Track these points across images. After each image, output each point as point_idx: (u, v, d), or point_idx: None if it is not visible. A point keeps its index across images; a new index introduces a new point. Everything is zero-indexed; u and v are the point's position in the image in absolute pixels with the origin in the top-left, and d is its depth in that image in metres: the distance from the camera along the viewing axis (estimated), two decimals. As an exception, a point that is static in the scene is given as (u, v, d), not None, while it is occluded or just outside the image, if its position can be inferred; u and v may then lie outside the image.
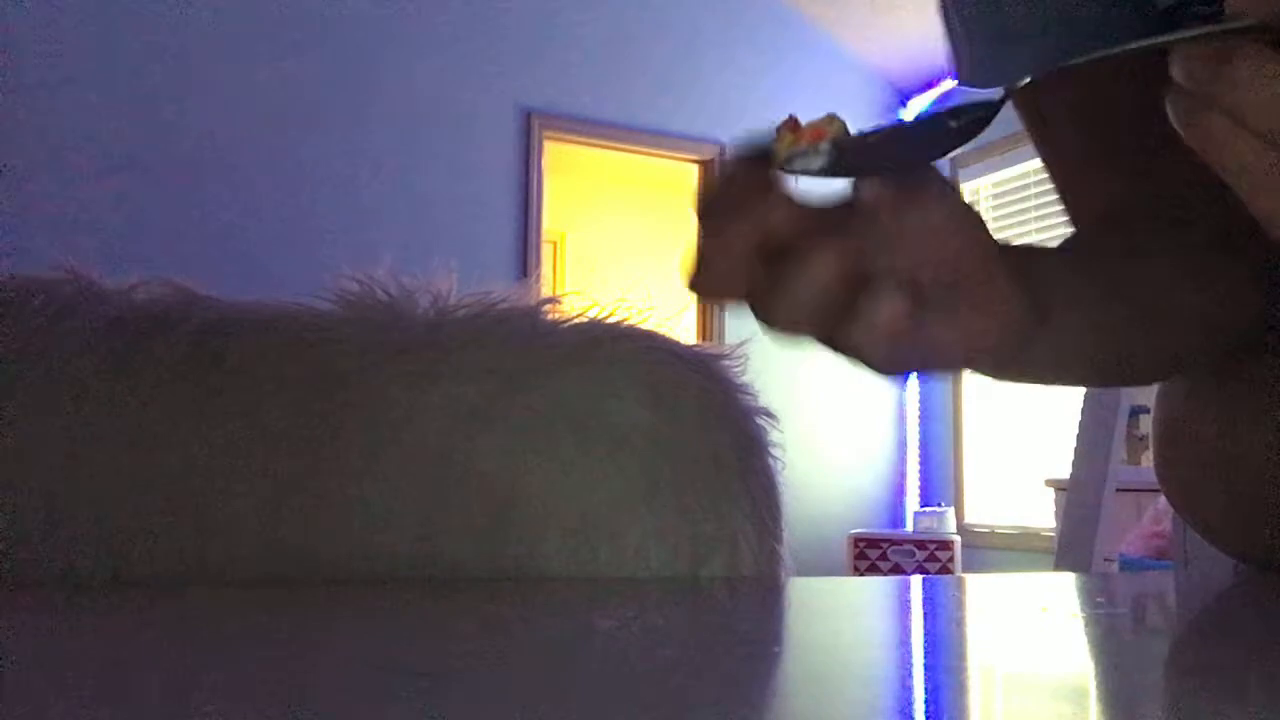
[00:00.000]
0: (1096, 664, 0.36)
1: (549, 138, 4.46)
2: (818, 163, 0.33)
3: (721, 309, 4.65)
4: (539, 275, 0.81)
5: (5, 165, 3.41)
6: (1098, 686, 0.32)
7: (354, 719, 0.27)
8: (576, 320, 0.64)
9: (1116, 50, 0.35)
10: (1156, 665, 0.37)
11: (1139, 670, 0.36)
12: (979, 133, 0.34)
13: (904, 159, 0.34)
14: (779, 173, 0.34)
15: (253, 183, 3.88)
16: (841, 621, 0.52)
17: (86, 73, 3.63)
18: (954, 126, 0.34)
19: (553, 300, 0.65)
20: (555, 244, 6.20)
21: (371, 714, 0.28)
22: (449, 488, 0.57)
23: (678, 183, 5.35)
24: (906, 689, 0.33)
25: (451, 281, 0.64)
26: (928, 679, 0.35)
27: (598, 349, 0.61)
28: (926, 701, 0.31)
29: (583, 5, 4.52)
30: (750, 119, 4.82)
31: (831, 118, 0.34)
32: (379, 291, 0.62)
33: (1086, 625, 0.44)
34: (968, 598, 0.54)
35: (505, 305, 0.63)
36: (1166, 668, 0.36)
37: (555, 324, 0.63)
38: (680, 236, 5.62)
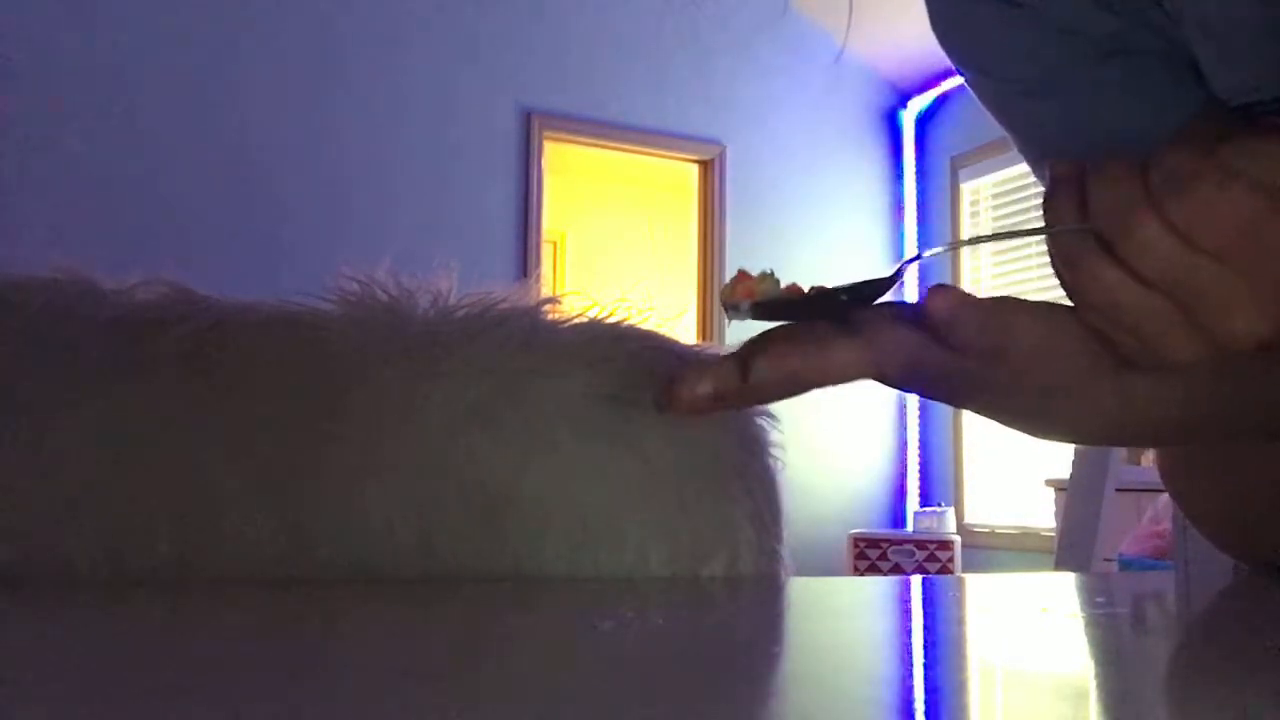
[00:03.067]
0: (1096, 664, 0.36)
1: (549, 138, 4.46)
2: (744, 315, 0.46)
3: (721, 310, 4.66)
4: (539, 275, 0.81)
5: (5, 165, 3.41)
6: (1098, 686, 0.32)
7: (353, 719, 0.27)
8: (576, 320, 0.64)
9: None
10: (1157, 665, 0.37)
11: (1139, 670, 0.36)
12: (873, 300, 0.45)
13: (806, 318, 0.46)
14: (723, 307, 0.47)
15: (253, 183, 3.87)
16: (841, 621, 0.52)
17: (86, 73, 3.63)
18: (844, 300, 0.45)
19: (553, 300, 0.65)
20: (555, 244, 6.20)
21: (371, 714, 0.28)
22: (449, 487, 0.57)
23: (678, 183, 5.35)
24: (906, 689, 0.33)
25: (451, 281, 0.64)
26: (928, 679, 0.35)
27: (598, 349, 0.61)
28: (926, 701, 0.31)
29: (583, 5, 4.51)
30: (750, 119, 4.83)
31: (764, 275, 0.46)
32: (379, 291, 0.62)
33: (1086, 625, 0.44)
34: (968, 598, 0.54)
35: (505, 305, 0.63)
36: (1166, 668, 0.36)
37: (555, 324, 0.63)
38: (680, 237, 5.63)
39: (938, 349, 0.43)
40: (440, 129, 4.23)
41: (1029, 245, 4.42)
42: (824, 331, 0.44)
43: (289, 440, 0.57)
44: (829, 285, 0.46)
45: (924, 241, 5.09)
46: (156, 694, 0.29)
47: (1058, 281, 0.44)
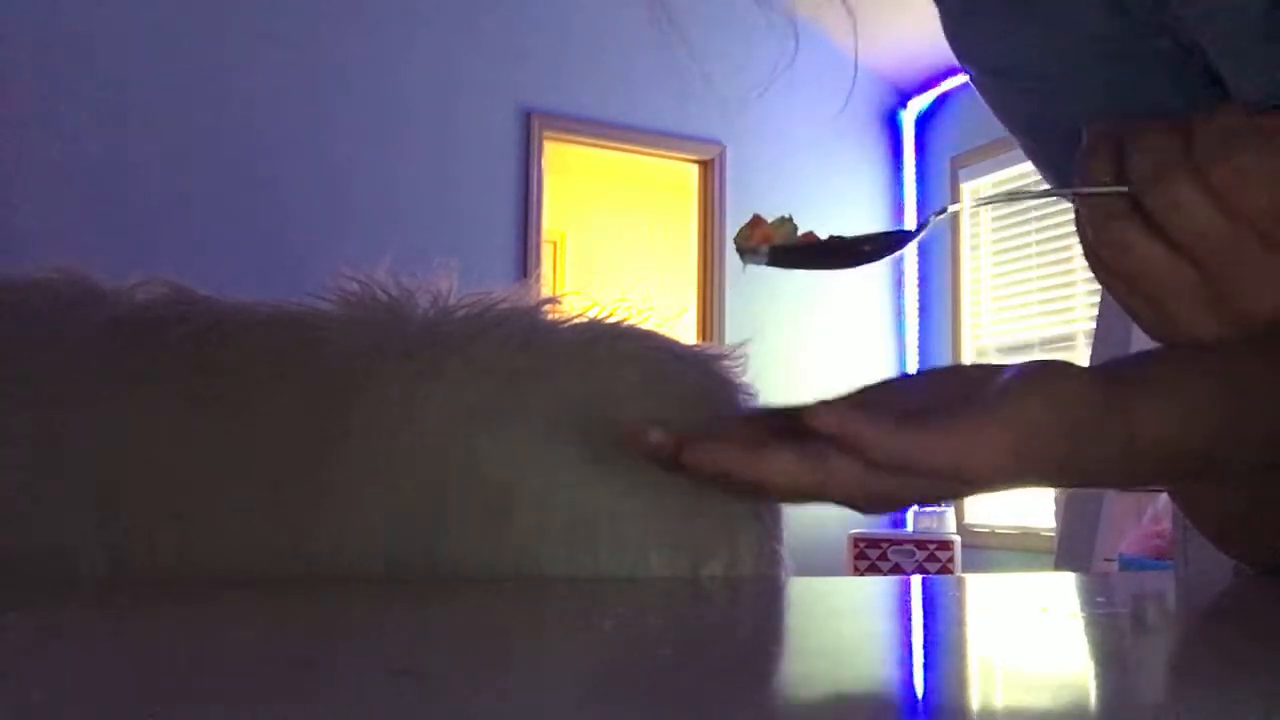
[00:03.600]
0: (1096, 664, 0.36)
1: (549, 138, 4.45)
2: (760, 259, 0.45)
3: (720, 310, 4.65)
4: (539, 275, 0.81)
5: (5, 165, 3.41)
6: (1098, 686, 0.32)
7: (353, 719, 0.27)
8: (576, 320, 0.64)
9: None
10: (1156, 665, 0.37)
11: (1139, 670, 0.36)
12: (889, 256, 0.45)
13: (824, 266, 0.45)
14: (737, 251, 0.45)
15: (253, 183, 3.87)
16: (841, 621, 0.52)
17: (86, 73, 3.63)
18: (867, 250, 0.45)
19: (553, 300, 0.65)
20: (555, 244, 6.20)
21: (371, 714, 0.28)
22: (449, 487, 0.57)
23: (678, 183, 5.35)
24: (906, 689, 0.33)
25: (451, 281, 0.64)
26: (928, 679, 0.35)
27: (598, 349, 0.61)
28: (927, 701, 0.31)
29: (583, 5, 4.51)
30: (750, 119, 4.82)
31: (783, 220, 0.45)
32: (379, 291, 0.62)
33: (1086, 625, 0.44)
34: (968, 598, 0.54)
35: (505, 305, 0.63)
36: (1167, 667, 0.36)
37: (555, 324, 0.63)
38: (680, 237, 5.63)
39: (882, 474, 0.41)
40: (440, 129, 4.23)
41: (1028, 246, 4.42)
42: (766, 438, 0.41)
43: (289, 440, 0.57)
44: (848, 235, 0.45)
45: (923, 243, 5.09)
46: (156, 694, 0.29)
47: (1069, 270, 0.43)
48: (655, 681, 0.32)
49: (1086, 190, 0.40)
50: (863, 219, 5.10)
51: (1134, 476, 0.45)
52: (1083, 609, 0.50)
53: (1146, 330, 0.43)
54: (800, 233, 0.45)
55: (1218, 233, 0.37)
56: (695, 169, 4.86)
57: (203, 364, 0.57)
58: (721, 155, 4.78)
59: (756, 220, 0.45)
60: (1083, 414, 0.42)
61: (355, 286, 0.62)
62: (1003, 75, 0.62)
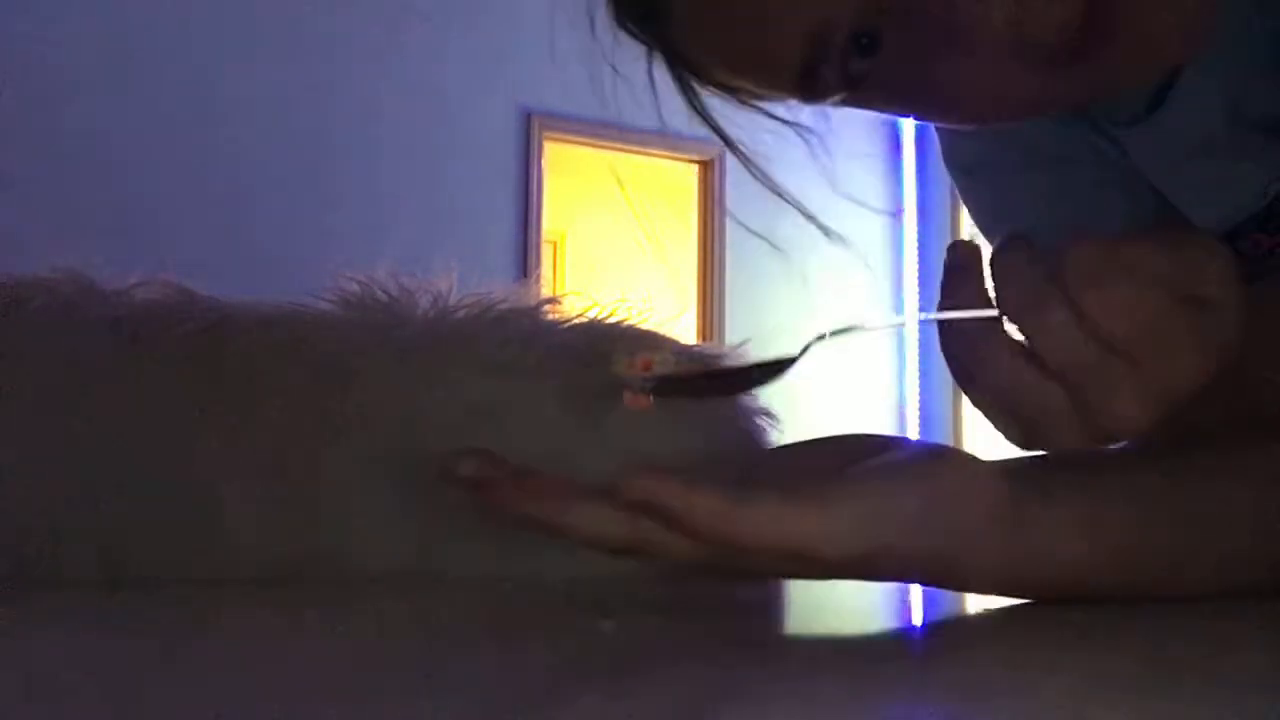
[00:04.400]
0: (1097, 663, 0.36)
1: (549, 138, 4.45)
2: (645, 386, 0.43)
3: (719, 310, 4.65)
4: (539, 275, 0.81)
5: (5, 165, 3.41)
6: (1098, 686, 0.32)
7: (353, 719, 0.27)
8: (576, 320, 0.64)
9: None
10: (1157, 664, 0.37)
11: (1139, 669, 0.36)
12: (772, 380, 0.44)
13: (708, 394, 0.45)
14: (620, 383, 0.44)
15: (253, 183, 3.87)
16: (842, 621, 0.52)
17: (86, 73, 3.63)
18: (753, 377, 0.44)
19: (553, 300, 0.65)
20: (555, 244, 6.20)
21: (371, 714, 0.28)
22: (449, 487, 0.57)
23: (678, 183, 5.35)
24: (906, 689, 0.33)
25: (451, 281, 0.64)
26: (928, 679, 0.35)
27: (597, 349, 0.61)
28: (926, 701, 0.31)
29: (583, 5, 4.51)
30: (750, 119, 4.82)
31: (658, 347, 0.44)
32: (379, 291, 0.62)
33: (1086, 624, 0.44)
34: (967, 597, 0.54)
35: (505, 305, 0.63)
36: (1167, 667, 0.36)
37: (555, 324, 0.63)
38: (680, 237, 5.63)
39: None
40: (440, 129, 4.23)
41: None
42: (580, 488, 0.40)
43: (289, 440, 0.57)
44: (726, 364, 0.44)
45: (924, 242, 5.09)
46: (155, 694, 0.30)
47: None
48: (655, 681, 0.33)
49: (961, 315, 0.41)
50: (863, 219, 5.10)
51: (1017, 590, 0.46)
52: (1081, 608, 0.50)
53: (1012, 441, 0.44)
54: (674, 363, 0.43)
55: (1087, 357, 0.40)
56: (695, 169, 4.86)
57: (203, 364, 0.57)
58: (722, 155, 4.78)
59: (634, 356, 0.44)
60: (967, 512, 0.42)
61: (355, 286, 0.62)
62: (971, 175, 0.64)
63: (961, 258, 0.42)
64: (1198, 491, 0.45)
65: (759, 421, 0.64)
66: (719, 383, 0.44)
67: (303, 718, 0.27)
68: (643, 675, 0.34)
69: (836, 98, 0.54)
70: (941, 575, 0.44)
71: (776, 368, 0.43)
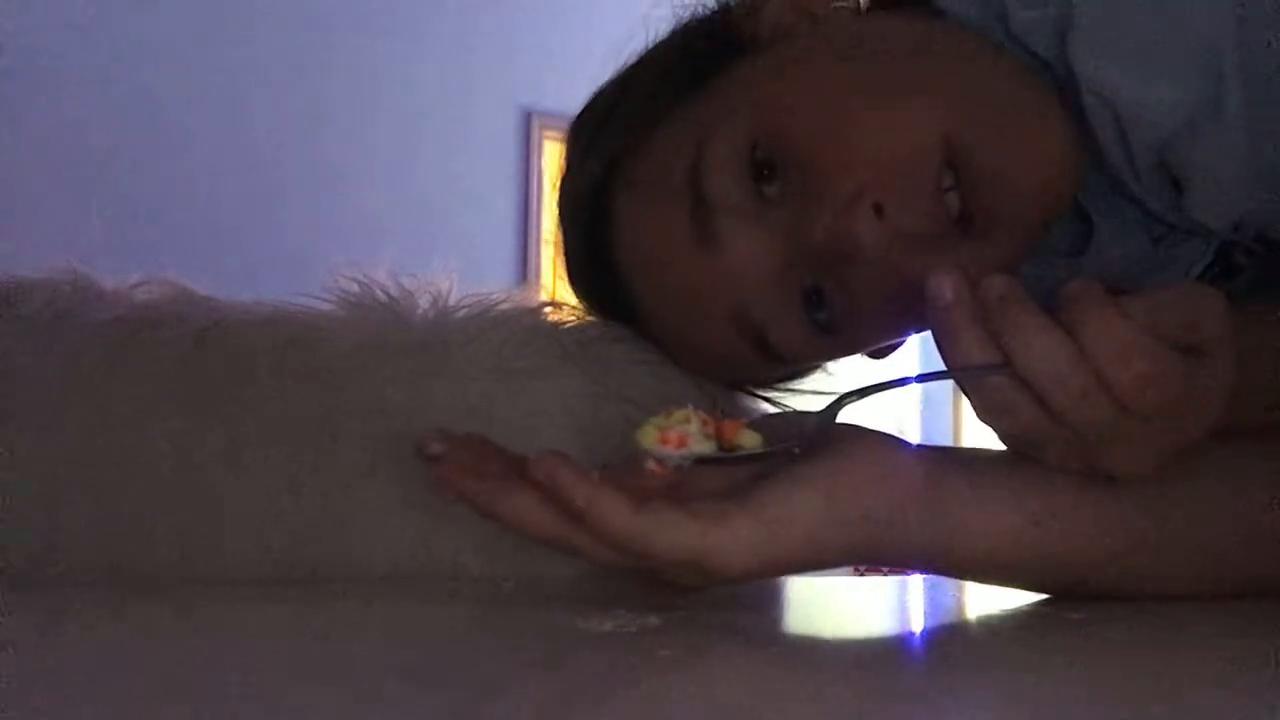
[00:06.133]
0: (1096, 664, 0.36)
1: (549, 138, 4.45)
2: (684, 463, 0.42)
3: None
4: (539, 276, 0.81)
5: (5, 165, 3.41)
6: (1098, 686, 0.32)
7: (355, 719, 0.27)
8: (576, 320, 0.64)
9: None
10: (1156, 664, 0.37)
11: (1139, 669, 0.36)
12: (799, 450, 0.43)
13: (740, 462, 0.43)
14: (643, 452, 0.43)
15: (253, 183, 3.87)
16: (841, 621, 0.52)
17: (86, 73, 3.63)
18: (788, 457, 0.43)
19: (553, 301, 0.66)
20: (555, 244, 6.19)
21: (371, 714, 0.28)
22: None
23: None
24: (907, 689, 0.33)
25: (451, 281, 0.64)
26: (928, 679, 0.35)
27: (597, 349, 0.61)
28: (927, 701, 0.31)
29: (583, 5, 4.51)
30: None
31: (682, 415, 0.42)
32: (379, 291, 0.62)
33: (1086, 624, 0.44)
34: (967, 598, 0.54)
35: (505, 305, 0.63)
36: (1166, 667, 0.37)
37: (555, 324, 0.63)
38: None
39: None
40: (440, 129, 4.23)
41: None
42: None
43: (288, 440, 0.57)
44: (766, 430, 0.44)
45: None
46: (155, 694, 0.30)
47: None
48: (655, 682, 0.33)
49: (974, 366, 0.41)
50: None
51: (951, 568, 0.47)
52: (1082, 608, 0.50)
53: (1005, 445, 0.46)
54: (695, 424, 0.42)
55: (1104, 416, 0.40)
56: (695, 169, 4.86)
57: (202, 364, 0.57)
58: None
59: (662, 429, 0.42)
60: (884, 496, 0.43)
61: (355, 286, 0.62)
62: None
63: (954, 292, 0.42)
64: (1166, 477, 0.45)
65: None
66: (773, 456, 0.43)
67: (302, 717, 0.27)
68: (643, 675, 0.34)
69: (815, 350, 0.57)
70: (869, 557, 0.45)
71: (808, 441, 0.43)
